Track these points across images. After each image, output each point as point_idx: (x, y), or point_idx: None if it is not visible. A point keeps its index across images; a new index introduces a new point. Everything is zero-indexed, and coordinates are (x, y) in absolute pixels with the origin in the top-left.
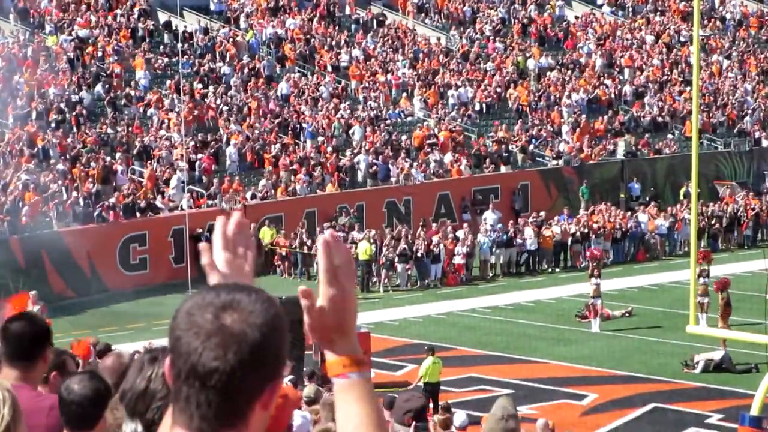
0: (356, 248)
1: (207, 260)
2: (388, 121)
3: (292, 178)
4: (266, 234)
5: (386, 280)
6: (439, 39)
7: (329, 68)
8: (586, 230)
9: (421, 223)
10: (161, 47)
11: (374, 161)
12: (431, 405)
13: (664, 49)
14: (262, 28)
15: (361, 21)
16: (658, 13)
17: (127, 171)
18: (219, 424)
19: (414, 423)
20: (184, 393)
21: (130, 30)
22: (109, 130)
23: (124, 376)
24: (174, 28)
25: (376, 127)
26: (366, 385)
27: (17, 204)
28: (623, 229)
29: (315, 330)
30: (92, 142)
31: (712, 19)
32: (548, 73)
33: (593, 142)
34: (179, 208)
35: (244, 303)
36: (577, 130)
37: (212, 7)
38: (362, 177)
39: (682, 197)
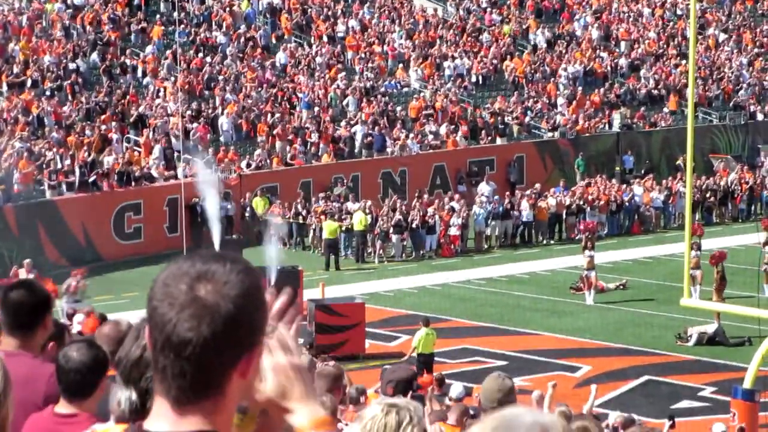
0: (351, 218)
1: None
2: (383, 91)
3: (288, 148)
4: (259, 204)
5: (381, 251)
6: (435, 10)
7: (325, 38)
8: (582, 202)
9: (416, 194)
10: (157, 16)
11: (370, 132)
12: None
13: (660, 22)
14: None
15: None
16: None
17: (122, 140)
18: (195, 394)
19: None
20: (161, 363)
21: None
22: (105, 99)
23: (122, 344)
24: None
25: (372, 98)
26: None
27: (11, 172)
28: (618, 202)
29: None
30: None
31: None
32: (544, 45)
33: (589, 114)
34: (174, 177)
35: (218, 274)
36: (573, 102)
37: None
38: (358, 147)
39: (676, 170)
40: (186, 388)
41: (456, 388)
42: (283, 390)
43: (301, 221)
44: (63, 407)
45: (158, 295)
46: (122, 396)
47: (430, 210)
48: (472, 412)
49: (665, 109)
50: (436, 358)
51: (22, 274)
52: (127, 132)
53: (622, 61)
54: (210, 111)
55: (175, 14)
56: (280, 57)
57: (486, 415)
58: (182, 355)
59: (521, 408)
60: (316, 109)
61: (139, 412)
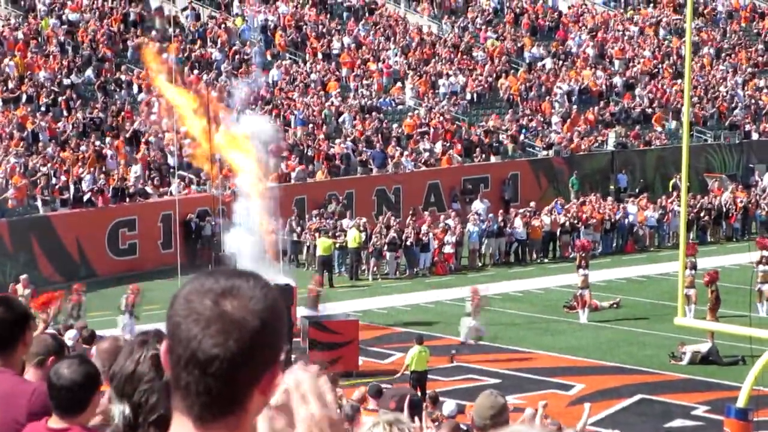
0: (345, 236)
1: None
2: (380, 110)
3: (282, 165)
4: None
5: (375, 268)
6: (430, 27)
7: (320, 56)
8: (576, 221)
9: (410, 212)
10: (152, 32)
11: (365, 149)
12: (419, 393)
13: (656, 41)
14: (254, 14)
15: (352, 9)
16: (651, 4)
17: (116, 155)
18: (219, 411)
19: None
20: (184, 380)
21: (121, 14)
22: (100, 115)
23: None
24: (166, 13)
25: (366, 115)
26: None
27: (6, 187)
28: (612, 221)
29: None
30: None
31: (705, 12)
32: (540, 63)
33: (583, 133)
34: (168, 194)
35: (243, 289)
36: (568, 120)
37: None
38: (352, 165)
39: (671, 189)
40: (210, 405)
41: (448, 406)
42: None
43: (295, 238)
44: (56, 422)
45: (181, 311)
46: (116, 410)
47: (424, 227)
48: (464, 428)
49: (658, 128)
50: (429, 376)
51: (20, 290)
52: (121, 148)
53: (617, 80)
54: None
55: (170, 30)
56: (274, 74)
57: None
58: (208, 372)
59: (521, 425)
60: (311, 126)
61: (132, 426)
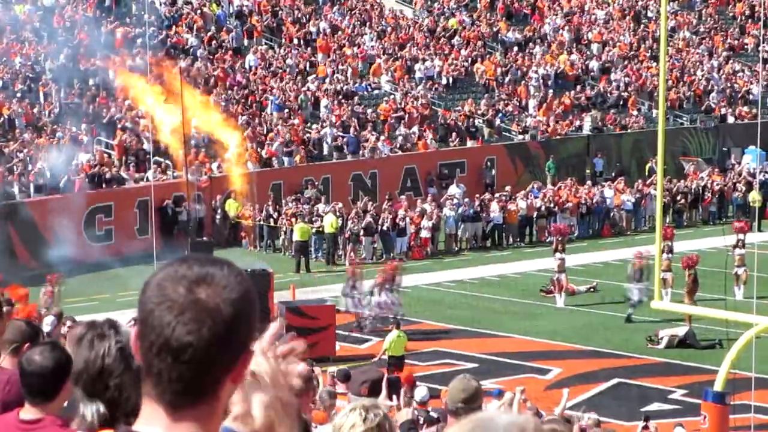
0: (322, 221)
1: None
2: (357, 95)
3: (260, 150)
4: (232, 206)
5: (352, 254)
6: (402, 12)
7: (296, 41)
8: (552, 205)
9: (387, 197)
10: (127, 18)
11: (341, 134)
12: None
13: (632, 25)
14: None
15: None
16: None
17: (92, 141)
18: (191, 398)
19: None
20: (156, 367)
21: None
22: (76, 100)
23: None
24: None
25: (343, 101)
26: None
27: None
28: (589, 205)
29: None
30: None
31: None
32: (515, 48)
33: (559, 117)
34: (144, 179)
35: (218, 277)
36: (544, 105)
37: None
38: (327, 150)
39: (647, 173)
40: (182, 392)
41: (420, 391)
42: (271, 424)
43: (271, 224)
44: (28, 413)
45: (154, 297)
46: (87, 410)
47: (401, 212)
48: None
49: (634, 113)
50: (406, 360)
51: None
52: (97, 134)
53: (593, 64)
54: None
55: (146, 16)
56: (250, 59)
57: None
58: (180, 359)
59: (496, 410)
60: (286, 111)
61: (109, 422)
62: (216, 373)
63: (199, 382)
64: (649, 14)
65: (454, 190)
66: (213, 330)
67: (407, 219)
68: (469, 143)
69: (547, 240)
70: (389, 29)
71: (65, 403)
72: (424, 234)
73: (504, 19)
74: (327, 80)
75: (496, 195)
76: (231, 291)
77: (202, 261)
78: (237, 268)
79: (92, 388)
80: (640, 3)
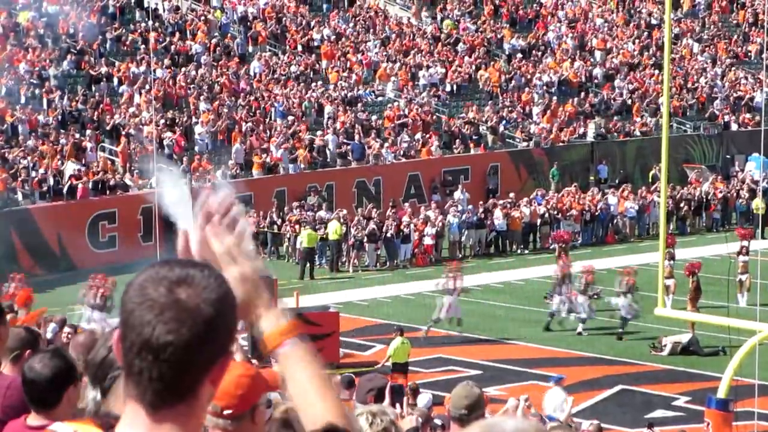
0: (326, 228)
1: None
2: (360, 102)
3: (265, 156)
4: None
5: (355, 260)
6: (409, 19)
7: (300, 47)
8: (556, 212)
9: (390, 204)
10: (132, 25)
11: (345, 141)
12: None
13: (636, 32)
14: (233, 6)
15: (332, 0)
16: None
17: (96, 148)
18: (171, 398)
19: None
20: (137, 367)
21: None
22: (80, 107)
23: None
24: (145, 5)
25: (347, 107)
26: (306, 347)
27: None
28: (592, 212)
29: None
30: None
31: (684, 3)
32: (519, 55)
33: (563, 124)
34: (148, 186)
35: (198, 278)
36: (548, 111)
37: None
38: (331, 157)
39: (651, 180)
40: (163, 392)
41: (423, 398)
42: (249, 298)
43: (275, 230)
44: (34, 419)
45: (135, 298)
46: (89, 396)
47: (405, 219)
48: (439, 422)
49: (637, 120)
50: (410, 368)
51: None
52: (100, 140)
53: (597, 71)
54: (185, 120)
55: (150, 23)
56: (255, 66)
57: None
58: (161, 358)
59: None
60: (291, 117)
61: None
62: (196, 373)
63: (179, 382)
64: (653, 21)
65: (458, 196)
66: (193, 330)
67: (411, 226)
68: (473, 150)
69: (551, 247)
70: (393, 36)
71: (72, 409)
72: (428, 241)
73: (508, 26)
74: (331, 87)
75: (500, 202)
76: (211, 292)
77: (183, 263)
78: (216, 271)
79: (95, 375)
80: (644, 11)
